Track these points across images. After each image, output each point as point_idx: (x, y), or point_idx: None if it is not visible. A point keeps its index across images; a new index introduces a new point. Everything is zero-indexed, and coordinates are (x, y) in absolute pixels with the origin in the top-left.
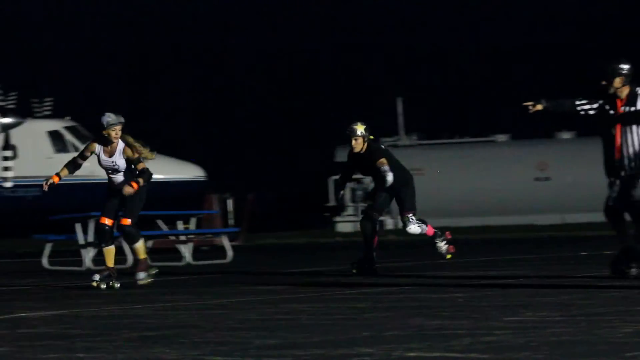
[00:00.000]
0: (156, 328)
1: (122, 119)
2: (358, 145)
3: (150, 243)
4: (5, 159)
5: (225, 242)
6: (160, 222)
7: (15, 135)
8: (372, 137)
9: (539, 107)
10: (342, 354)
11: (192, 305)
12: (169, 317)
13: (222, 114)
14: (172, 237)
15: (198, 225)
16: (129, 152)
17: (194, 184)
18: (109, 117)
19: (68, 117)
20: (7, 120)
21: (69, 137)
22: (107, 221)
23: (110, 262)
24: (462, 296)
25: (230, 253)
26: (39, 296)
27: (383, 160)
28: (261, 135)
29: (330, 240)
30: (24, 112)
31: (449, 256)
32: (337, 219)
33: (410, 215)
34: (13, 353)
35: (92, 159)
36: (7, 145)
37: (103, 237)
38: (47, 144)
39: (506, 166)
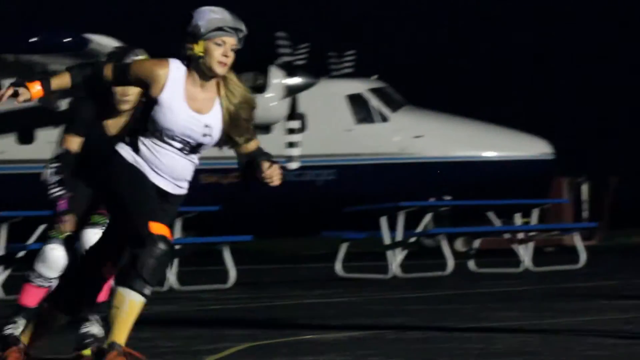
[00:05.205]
0: None
1: (241, 25)
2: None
3: (477, 243)
4: (291, 131)
5: (577, 241)
6: (491, 215)
7: (305, 101)
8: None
9: None
10: None
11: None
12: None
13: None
14: (507, 235)
15: (541, 219)
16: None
17: (537, 164)
18: (212, 14)
19: (375, 76)
20: (295, 80)
21: (374, 102)
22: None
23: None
24: None
25: (583, 256)
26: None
27: None
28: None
29: None
30: (317, 69)
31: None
32: None
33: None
34: None
35: None
36: (294, 114)
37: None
38: (346, 112)
39: None
